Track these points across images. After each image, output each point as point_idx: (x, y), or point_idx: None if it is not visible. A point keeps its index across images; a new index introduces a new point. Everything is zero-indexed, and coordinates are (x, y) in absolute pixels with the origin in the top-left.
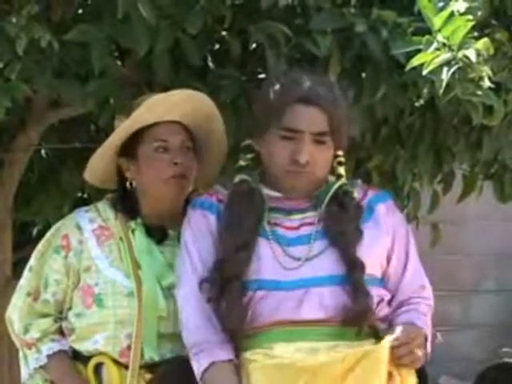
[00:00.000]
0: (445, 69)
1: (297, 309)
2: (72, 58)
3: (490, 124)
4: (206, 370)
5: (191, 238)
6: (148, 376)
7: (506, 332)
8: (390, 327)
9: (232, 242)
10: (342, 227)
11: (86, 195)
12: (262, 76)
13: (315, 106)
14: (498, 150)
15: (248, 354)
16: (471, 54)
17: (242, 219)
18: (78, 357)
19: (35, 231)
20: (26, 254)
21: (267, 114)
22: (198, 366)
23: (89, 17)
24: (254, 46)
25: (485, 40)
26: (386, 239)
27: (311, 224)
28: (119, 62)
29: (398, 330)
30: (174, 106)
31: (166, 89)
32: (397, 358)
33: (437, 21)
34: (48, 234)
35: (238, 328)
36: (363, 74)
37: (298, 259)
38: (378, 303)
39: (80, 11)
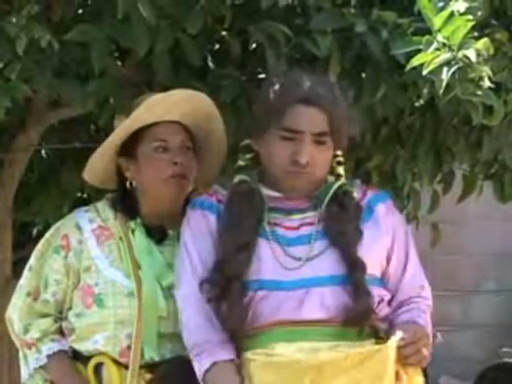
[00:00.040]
0: (445, 69)
1: (298, 309)
2: (72, 57)
3: (490, 124)
4: (207, 370)
5: (191, 238)
6: (148, 376)
7: (506, 332)
8: (392, 326)
9: (232, 242)
10: (342, 227)
11: (85, 195)
12: (262, 76)
13: (315, 107)
14: (497, 150)
15: (249, 354)
16: (471, 54)
17: (242, 219)
18: (77, 357)
19: (35, 231)
20: (26, 253)
21: (267, 115)
22: (199, 367)
23: (89, 17)
24: (254, 46)
25: (485, 40)
26: (385, 239)
27: (311, 224)
28: (119, 62)
29: (404, 329)
30: (174, 105)
31: (165, 89)
32: (403, 358)
33: (437, 21)
34: (47, 234)
35: (238, 328)
36: (363, 74)
37: (299, 259)
38: (378, 303)
39: (80, 11)
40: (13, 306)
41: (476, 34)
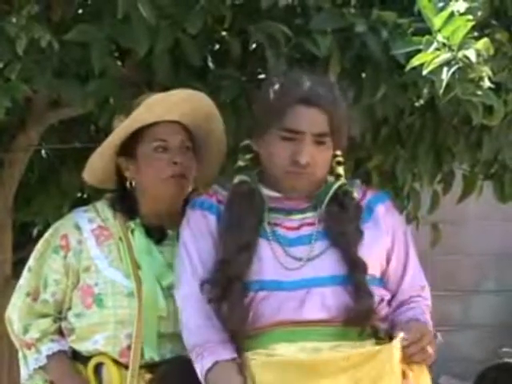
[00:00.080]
0: (445, 69)
1: (298, 309)
2: (72, 58)
3: (490, 124)
4: (209, 369)
5: (191, 239)
6: (148, 376)
7: (506, 332)
8: (395, 325)
9: (233, 243)
10: (342, 227)
11: (85, 195)
12: (262, 76)
13: (316, 107)
14: (497, 150)
15: (250, 354)
16: (471, 54)
17: (242, 220)
18: (77, 357)
19: (35, 231)
20: (26, 254)
21: (267, 115)
22: (200, 367)
23: (89, 17)
24: (254, 46)
25: (485, 40)
26: (385, 239)
27: (312, 224)
28: (119, 62)
29: (407, 327)
30: (174, 105)
31: (165, 89)
32: (408, 357)
33: (437, 21)
34: (47, 234)
35: (239, 329)
36: (363, 74)
37: (300, 259)
38: (379, 303)
39: (80, 11)
40: (12, 307)
41: (476, 34)
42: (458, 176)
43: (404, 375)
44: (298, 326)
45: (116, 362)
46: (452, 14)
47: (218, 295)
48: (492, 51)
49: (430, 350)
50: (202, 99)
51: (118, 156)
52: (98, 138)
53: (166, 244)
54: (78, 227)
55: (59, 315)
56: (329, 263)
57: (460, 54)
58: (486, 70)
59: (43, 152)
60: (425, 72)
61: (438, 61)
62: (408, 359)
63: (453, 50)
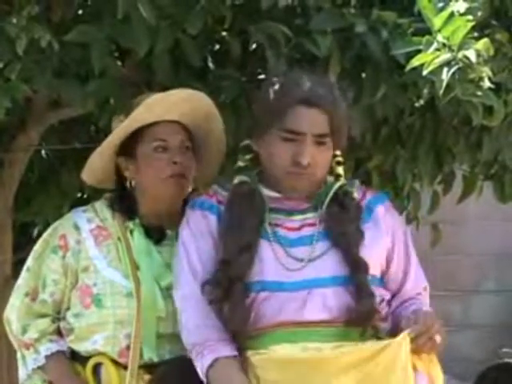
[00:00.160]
0: (445, 69)
1: (300, 310)
2: (72, 58)
3: (490, 125)
4: (210, 366)
5: (190, 239)
6: (147, 376)
7: (506, 332)
8: (399, 320)
9: (234, 243)
10: (343, 228)
11: (85, 196)
12: (262, 76)
13: (316, 108)
14: (498, 151)
15: (251, 353)
16: (471, 54)
17: (243, 221)
18: (76, 357)
19: (35, 232)
20: (26, 254)
21: (268, 115)
22: (201, 365)
23: (89, 17)
24: (254, 46)
25: (485, 40)
26: (386, 239)
27: (313, 225)
28: (119, 62)
29: (415, 318)
30: (174, 105)
31: (165, 89)
32: (417, 348)
33: (437, 21)
34: (45, 234)
35: (241, 330)
36: (363, 74)
37: (301, 260)
38: (379, 303)
39: (80, 12)
40: (11, 307)
41: (476, 34)
42: (458, 176)
43: (414, 368)
44: (300, 326)
45: (115, 362)
46: (452, 15)
47: (219, 296)
48: (492, 51)
49: (438, 338)
50: (201, 99)
51: (117, 156)
52: (98, 139)
53: (165, 244)
54: (76, 227)
55: (58, 315)
56: (330, 264)
57: (460, 55)
58: (486, 71)
59: (43, 152)
60: (425, 72)
61: (438, 61)
62: (417, 350)
63: (453, 51)
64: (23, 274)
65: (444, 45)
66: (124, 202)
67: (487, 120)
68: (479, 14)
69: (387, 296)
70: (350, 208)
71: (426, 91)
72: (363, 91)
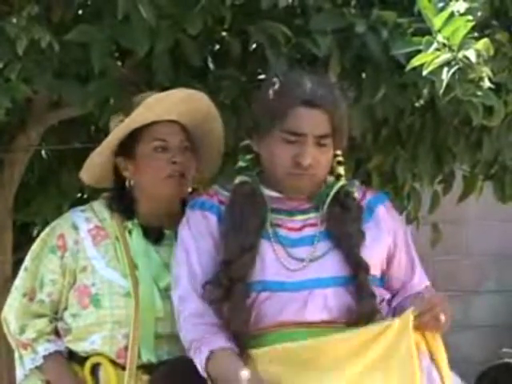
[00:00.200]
0: (445, 69)
1: (301, 310)
2: (72, 58)
3: (490, 125)
4: (207, 359)
5: (190, 239)
6: (145, 377)
7: (506, 332)
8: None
9: (236, 244)
10: (345, 228)
11: (85, 196)
12: (262, 76)
13: (317, 109)
14: (498, 151)
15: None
16: (471, 54)
17: (245, 221)
18: (73, 357)
19: (35, 232)
20: (26, 254)
21: (268, 116)
22: (199, 360)
23: (89, 17)
24: (254, 46)
25: (485, 41)
26: (387, 239)
27: (314, 225)
28: (119, 63)
29: (419, 298)
30: (173, 105)
31: (165, 89)
32: (421, 326)
33: (437, 21)
34: (43, 234)
35: (242, 330)
36: (363, 74)
37: (302, 260)
38: (379, 303)
39: (80, 12)
40: (9, 307)
41: (476, 34)
42: (458, 176)
43: (417, 347)
44: (301, 327)
45: (113, 362)
46: (452, 15)
47: (220, 296)
48: (492, 52)
49: (443, 317)
50: (201, 99)
51: (116, 156)
52: (97, 139)
53: (164, 244)
54: (75, 227)
55: (55, 315)
56: (331, 264)
57: (460, 55)
58: (486, 71)
59: (43, 152)
60: (425, 72)
61: (438, 61)
62: (421, 328)
63: (453, 51)
64: (21, 273)
65: (444, 45)
66: (122, 202)
67: (487, 120)
68: (479, 14)
69: (387, 296)
70: (351, 208)
71: (426, 91)
72: (363, 91)
